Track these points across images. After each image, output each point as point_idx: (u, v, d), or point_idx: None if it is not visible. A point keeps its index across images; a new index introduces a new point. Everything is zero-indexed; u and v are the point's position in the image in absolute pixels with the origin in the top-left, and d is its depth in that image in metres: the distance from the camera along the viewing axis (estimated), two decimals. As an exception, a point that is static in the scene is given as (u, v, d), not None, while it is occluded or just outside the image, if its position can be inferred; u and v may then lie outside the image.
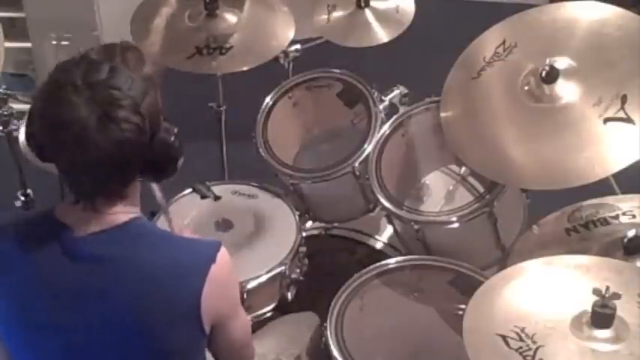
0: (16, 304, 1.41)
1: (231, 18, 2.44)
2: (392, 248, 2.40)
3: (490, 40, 2.01)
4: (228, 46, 2.37)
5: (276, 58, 2.51)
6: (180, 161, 1.46)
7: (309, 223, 2.48)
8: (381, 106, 2.33)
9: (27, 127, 1.40)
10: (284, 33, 2.44)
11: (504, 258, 2.08)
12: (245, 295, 1.99)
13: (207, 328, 1.43)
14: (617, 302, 1.34)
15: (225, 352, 1.56)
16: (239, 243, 2.13)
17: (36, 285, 1.40)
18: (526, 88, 1.88)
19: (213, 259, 1.41)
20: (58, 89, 1.32)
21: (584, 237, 1.85)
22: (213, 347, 1.54)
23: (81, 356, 1.42)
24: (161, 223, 1.93)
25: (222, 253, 1.43)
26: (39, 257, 1.40)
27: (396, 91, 2.46)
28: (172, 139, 1.42)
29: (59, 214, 1.42)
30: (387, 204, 2.14)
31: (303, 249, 2.19)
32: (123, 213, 1.41)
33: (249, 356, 1.65)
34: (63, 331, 1.40)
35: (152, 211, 2.05)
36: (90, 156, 1.31)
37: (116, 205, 1.40)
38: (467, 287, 1.85)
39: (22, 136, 2.37)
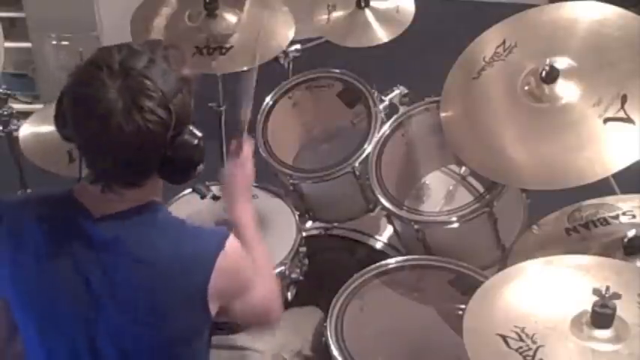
0: (29, 280, 1.43)
1: (230, 18, 2.43)
2: (392, 248, 2.40)
3: (490, 40, 2.01)
4: (228, 46, 2.36)
5: (276, 58, 2.51)
6: (200, 167, 1.46)
7: (309, 223, 2.48)
8: (381, 106, 2.33)
9: (57, 103, 1.42)
10: (284, 33, 2.44)
11: (504, 258, 2.09)
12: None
13: (213, 312, 1.45)
14: (617, 302, 1.34)
15: (246, 320, 1.62)
16: (239, 243, 2.13)
17: (50, 263, 1.42)
18: (526, 88, 1.88)
19: (221, 247, 1.43)
20: (94, 69, 1.35)
21: (584, 237, 1.85)
22: (235, 318, 1.58)
23: (90, 337, 1.43)
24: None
25: (231, 241, 1.45)
26: (54, 235, 1.42)
27: (396, 91, 2.46)
28: (195, 142, 1.41)
29: (78, 194, 1.45)
30: (387, 204, 2.14)
31: (303, 249, 2.19)
32: (140, 199, 1.44)
33: (272, 320, 1.66)
34: (74, 310, 1.42)
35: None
36: (110, 140, 1.33)
37: (133, 191, 1.41)
38: (467, 287, 1.85)
39: (22, 135, 2.37)
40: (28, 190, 2.66)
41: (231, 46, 2.36)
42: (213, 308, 1.45)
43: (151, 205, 1.45)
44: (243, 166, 1.75)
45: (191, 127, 1.42)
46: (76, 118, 1.37)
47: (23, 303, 1.46)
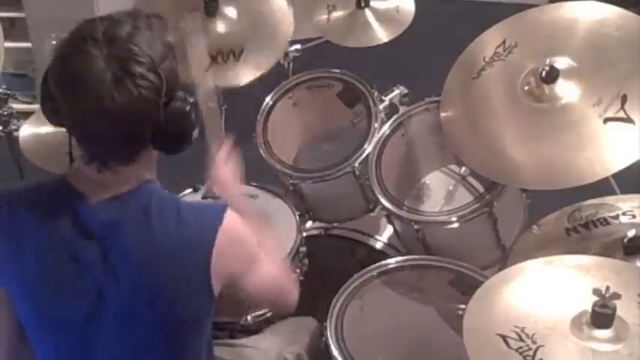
0: (31, 271, 1.42)
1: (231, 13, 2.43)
2: (392, 248, 2.40)
3: (490, 40, 2.01)
4: (239, 49, 2.35)
5: (275, 59, 2.51)
6: (195, 133, 1.44)
7: (309, 223, 2.48)
8: (381, 106, 2.33)
9: (42, 83, 1.40)
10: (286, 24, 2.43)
11: (504, 258, 2.08)
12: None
13: (216, 291, 1.44)
14: (617, 302, 1.34)
15: (260, 300, 1.64)
16: (239, 243, 2.13)
17: (50, 252, 1.41)
18: (526, 88, 1.88)
19: (220, 221, 1.42)
20: (78, 41, 1.34)
21: (584, 237, 1.85)
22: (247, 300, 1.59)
23: (96, 324, 1.42)
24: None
25: (229, 215, 1.44)
26: (52, 224, 1.41)
27: (396, 91, 2.46)
28: (188, 108, 1.40)
29: (73, 180, 1.43)
30: (387, 204, 2.14)
31: (303, 249, 2.19)
32: (135, 178, 1.42)
33: (290, 300, 1.64)
34: (78, 298, 1.41)
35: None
36: (103, 112, 1.31)
37: (129, 167, 1.40)
38: (467, 287, 1.85)
39: (22, 135, 2.37)
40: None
41: (242, 49, 2.35)
42: (216, 286, 1.43)
43: (146, 185, 1.43)
44: (223, 165, 1.72)
45: (181, 93, 1.40)
46: (65, 96, 1.34)
47: (25, 295, 1.45)
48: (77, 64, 1.32)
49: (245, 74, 2.38)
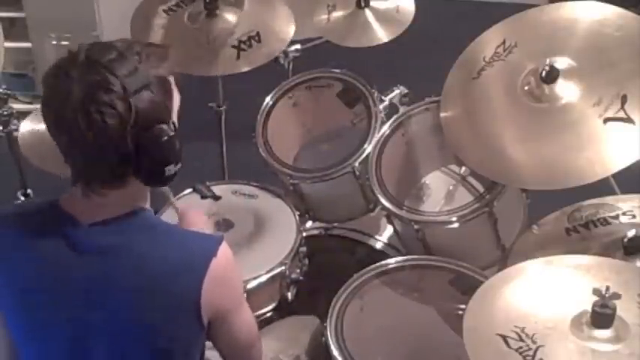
0: (19, 293, 1.42)
1: (230, 17, 2.43)
2: (392, 248, 2.40)
3: (490, 40, 2.01)
4: (255, 34, 2.36)
5: (276, 58, 2.51)
6: (170, 168, 1.38)
7: (309, 223, 2.48)
8: (381, 106, 2.33)
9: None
10: (285, 30, 2.43)
11: (504, 258, 2.09)
12: (245, 295, 1.99)
13: (205, 322, 1.43)
14: (617, 302, 1.34)
15: (229, 351, 1.57)
16: (239, 243, 2.13)
17: (39, 274, 1.40)
18: (526, 88, 1.88)
19: (214, 254, 1.41)
20: (65, 61, 1.34)
21: (584, 237, 1.85)
22: (218, 346, 1.55)
23: (84, 347, 1.42)
24: (167, 215, 1.93)
25: (224, 248, 1.43)
26: (42, 246, 1.40)
27: (396, 91, 2.46)
28: (164, 139, 1.34)
29: (64, 203, 1.42)
30: (387, 204, 2.14)
31: (303, 249, 2.19)
32: (126, 204, 1.41)
33: (256, 357, 1.65)
34: (66, 321, 1.41)
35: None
36: (69, 134, 1.32)
37: (116, 191, 1.38)
38: (467, 287, 1.85)
39: (21, 135, 2.37)
40: (29, 190, 2.67)
41: (258, 33, 2.37)
42: (205, 317, 1.43)
43: (139, 212, 1.42)
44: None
45: (162, 127, 1.34)
46: (42, 112, 1.35)
47: (14, 317, 1.45)
48: (52, 82, 1.33)
49: (276, 46, 2.40)
